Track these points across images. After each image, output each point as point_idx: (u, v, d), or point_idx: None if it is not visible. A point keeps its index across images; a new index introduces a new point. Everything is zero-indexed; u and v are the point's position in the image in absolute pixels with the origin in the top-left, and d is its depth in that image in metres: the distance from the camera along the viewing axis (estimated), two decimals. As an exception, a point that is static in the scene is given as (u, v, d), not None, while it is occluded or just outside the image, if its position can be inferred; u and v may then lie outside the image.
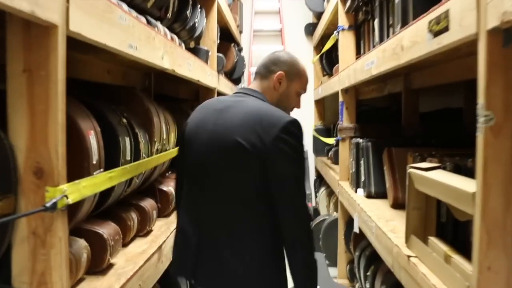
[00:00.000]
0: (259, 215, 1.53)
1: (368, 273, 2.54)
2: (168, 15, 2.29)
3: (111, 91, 1.94)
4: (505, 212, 1.04)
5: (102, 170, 1.35)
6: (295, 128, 1.51)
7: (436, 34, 1.31)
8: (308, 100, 5.81)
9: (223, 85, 4.05)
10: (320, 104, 5.82)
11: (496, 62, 1.01)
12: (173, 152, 2.18)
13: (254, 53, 5.94)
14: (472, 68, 1.13)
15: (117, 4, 1.36)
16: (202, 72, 2.92)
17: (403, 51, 1.68)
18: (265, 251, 1.53)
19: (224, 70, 4.15)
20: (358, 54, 3.47)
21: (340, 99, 3.51)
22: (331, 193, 4.76)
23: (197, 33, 2.85)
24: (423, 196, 1.63)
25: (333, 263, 3.72)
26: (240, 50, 5.35)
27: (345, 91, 3.46)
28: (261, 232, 1.53)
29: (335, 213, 4.08)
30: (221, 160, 1.52)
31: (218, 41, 3.79)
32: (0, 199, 0.96)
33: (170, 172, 2.55)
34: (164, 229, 2.03)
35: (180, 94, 3.59)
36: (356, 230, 2.64)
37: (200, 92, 3.61)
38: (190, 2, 2.64)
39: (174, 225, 1.86)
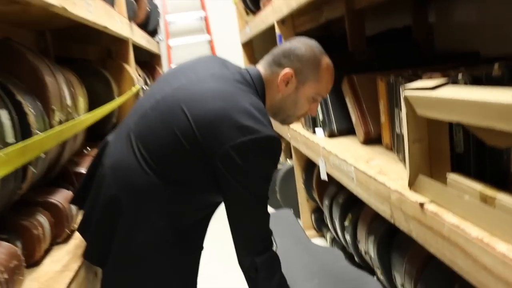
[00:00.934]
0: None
1: (346, 223, 2.22)
2: None
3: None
4: None
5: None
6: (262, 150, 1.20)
7: None
8: (233, 44, 5.29)
9: (138, 35, 3.42)
10: (249, 46, 5.31)
11: None
12: (87, 120, 1.62)
13: (168, -3, 5.25)
14: None
15: None
16: (109, 17, 2.30)
17: None
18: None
19: (137, 21, 3.50)
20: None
21: (277, 31, 3.05)
22: (278, 140, 4.39)
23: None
24: (424, 125, 1.26)
25: (294, 214, 3.40)
26: (151, -5, 4.64)
27: (282, 22, 2.99)
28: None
29: (288, 161, 3.73)
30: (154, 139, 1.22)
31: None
32: None
33: (89, 149, 1.99)
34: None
35: (89, 56, 2.96)
36: (323, 177, 2.28)
37: (112, 51, 2.96)
38: None
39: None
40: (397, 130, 1.67)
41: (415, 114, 1.22)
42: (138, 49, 3.51)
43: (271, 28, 3.18)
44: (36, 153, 1.06)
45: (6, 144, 1.03)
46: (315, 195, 2.96)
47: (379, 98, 1.87)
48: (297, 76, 1.31)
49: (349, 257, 2.18)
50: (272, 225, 2.21)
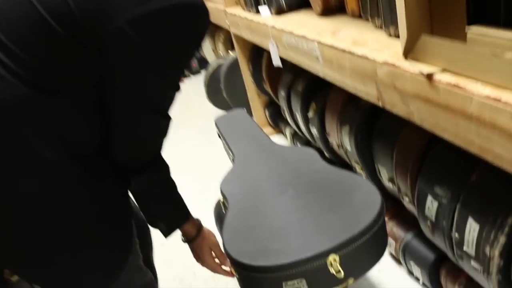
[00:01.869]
0: None
1: (310, 114, 1.89)
2: None
3: None
4: None
5: None
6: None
7: None
8: None
9: None
10: None
11: None
12: None
13: None
14: None
15: None
16: None
17: None
18: None
19: None
20: None
21: None
22: (214, 32, 3.86)
23: None
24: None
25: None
26: None
27: None
28: None
29: (230, 53, 3.26)
30: None
31: None
32: None
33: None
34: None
35: None
36: (276, 63, 1.88)
37: None
38: None
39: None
40: (370, -15, 1.26)
41: None
42: None
43: None
44: None
45: None
46: (267, 88, 2.58)
47: None
48: None
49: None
50: (226, 129, 1.85)
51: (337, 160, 1.90)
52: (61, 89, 0.76)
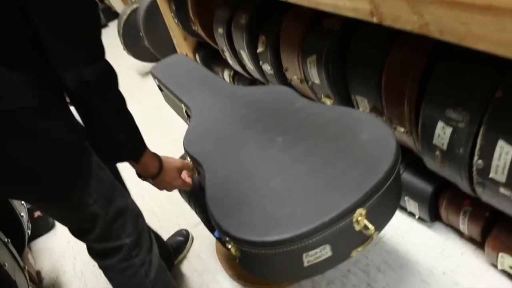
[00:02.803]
0: None
1: (260, 49, 1.64)
2: None
3: None
4: None
5: None
6: None
7: None
8: None
9: None
10: None
11: None
12: None
13: None
14: None
15: None
16: None
17: None
18: None
19: None
20: None
21: None
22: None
23: None
24: None
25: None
26: None
27: None
28: None
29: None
30: None
31: None
32: None
33: None
34: None
35: None
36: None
37: None
38: None
39: None
40: None
41: None
42: None
43: None
44: None
45: None
46: (196, 28, 2.25)
47: None
48: None
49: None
50: (168, 79, 1.52)
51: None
52: None
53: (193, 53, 2.59)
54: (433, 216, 1.30)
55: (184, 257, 1.50)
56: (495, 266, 1.19)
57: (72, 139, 0.84)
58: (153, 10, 2.50)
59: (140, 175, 1.02)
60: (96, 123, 0.86)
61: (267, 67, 1.66)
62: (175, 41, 2.54)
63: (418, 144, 1.12)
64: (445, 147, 1.00)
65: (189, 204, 1.20)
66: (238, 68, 1.99)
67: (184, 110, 1.30)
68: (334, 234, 0.78)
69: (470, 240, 1.27)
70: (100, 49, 0.82)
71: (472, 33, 0.70)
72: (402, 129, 1.14)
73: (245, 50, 1.73)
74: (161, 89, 1.49)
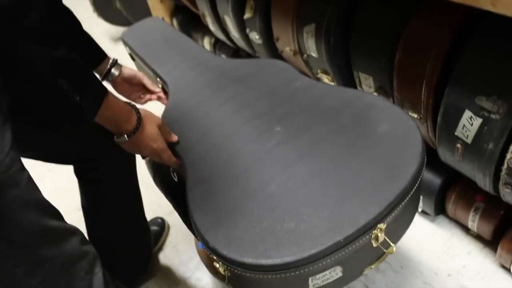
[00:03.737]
0: None
1: (248, 15, 1.43)
2: None
3: None
4: None
5: None
6: None
7: None
8: None
9: None
10: None
11: None
12: None
13: None
14: None
15: None
16: None
17: None
18: None
19: None
20: None
21: None
22: None
23: None
24: None
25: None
26: None
27: None
28: None
29: None
30: None
31: None
32: None
33: None
34: None
35: None
36: None
37: None
38: None
39: None
40: None
41: None
42: None
43: None
44: None
45: None
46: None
47: None
48: None
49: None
50: (141, 47, 1.26)
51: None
52: None
53: (170, 17, 2.35)
54: (438, 210, 1.17)
55: (160, 248, 1.34)
56: (505, 268, 1.08)
57: None
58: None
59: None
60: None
61: (254, 36, 1.47)
62: (150, 4, 2.28)
63: (433, 133, 0.97)
64: (469, 140, 0.85)
65: (167, 198, 1.02)
66: (220, 35, 1.78)
67: (160, 85, 1.10)
68: (348, 255, 0.63)
69: (477, 237, 1.15)
70: None
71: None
72: (415, 115, 0.99)
73: (230, 16, 1.52)
74: (133, 58, 1.28)
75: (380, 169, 0.68)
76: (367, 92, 0.85)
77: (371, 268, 0.71)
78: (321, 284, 0.66)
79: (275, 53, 1.46)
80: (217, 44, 2.03)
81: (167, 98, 1.12)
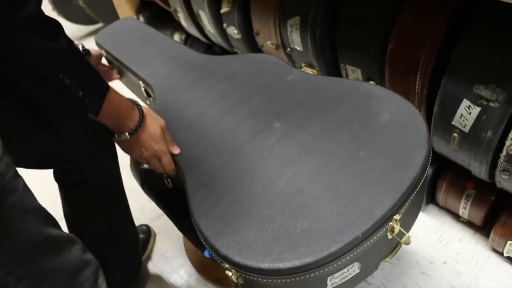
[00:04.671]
0: None
1: (225, 9, 1.39)
2: None
3: None
4: None
5: None
6: None
7: None
8: None
9: None
10: None
11: None
12: None
13: None
14: None
15: None
16: None
17: None
18: None
19: None
20: None
21: None
22: None
23: None
24: None
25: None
26: None
27: None
28: None
29: None
30: None
31: None
32: None
33: None
34: None
35: None
36: None
37: None
38: None
39: None
40: None
41: None
42: None
43: None
44: None
45: None
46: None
47: None
48: None
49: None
50: (118, 49, 1.19)
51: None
52: None
53: (136, 14, 2.27)
54: (428, 199, 1.18)
55: (148, 257, 1.28)
56: (496, 251, 1.10)
57: None
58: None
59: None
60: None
61: (232, 30, 1.43)
62: (114, 0, 2.20)
63: (427, 124, 0.97)
64: (467, 128, 0.85)
65: (158, 205, 0.97)
66: (193, 31, 1.73)
67: (142, 88, 1.05)
68: (366, 249, 0.61)
69: (468, 224, 1.17)
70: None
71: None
72: (407, 106, 0.98)
73: (206, 10, 1.47)
74: (109, 62, 1.21)
75: (388, 158, 0.66)
76: (364, 82, 0.83)
77: (386, 261, 0.69)
78: (339, 282, 0.63)
79: (254, 48, 1.43)
80: (188, 40, 1.97)
81: (150, 100, 1.07)
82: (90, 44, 1.06)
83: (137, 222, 1.37)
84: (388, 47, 0.94)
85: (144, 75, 1.02)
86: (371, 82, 0.98)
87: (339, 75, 1.16)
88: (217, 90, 0.90)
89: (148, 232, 1.31)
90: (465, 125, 0.84)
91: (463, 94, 0.82)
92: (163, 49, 1.10)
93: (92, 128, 0.76)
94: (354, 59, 1.06)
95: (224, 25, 1.46)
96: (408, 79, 0.92)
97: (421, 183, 0.66)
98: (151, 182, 0.96)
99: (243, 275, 0.61)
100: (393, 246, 0.68)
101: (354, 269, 0.63)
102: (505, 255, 1.05)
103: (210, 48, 1.86)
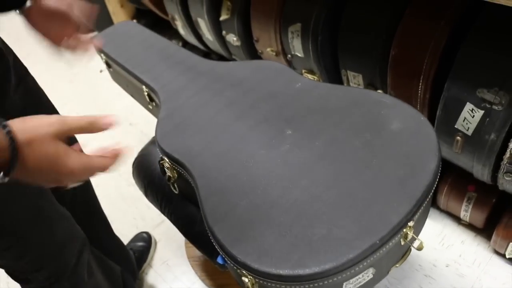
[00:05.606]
0: None
1: (224, 17, 1.40)
2: None
3: None
4: None
5: None
6: None
7: None
8: None
9: None
10: None
11: None
12: None
13: None
14: None
15: None
16: None
17: None
18: None
19: None
20: None
21: None
22: None
23: None
24: None
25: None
26: None
27: None
28: None
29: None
30: None
31: None
32: None
33: None
34: None
35: None
36: None
37: None
38: None
39: None
40: None
41: None
42: None
43: None
44: None
45: None
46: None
47: None
48: None
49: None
50: (120, 53, 1.18)
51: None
52: None
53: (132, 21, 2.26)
54: (430, 202, 1.20)
55: (149, 265, 1.27)
56: (498, 253, 1.11)
57: None
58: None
59: None
60: None
61: (232, 38, 1.43)
62: (110, 9, 2.20)
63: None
64: (470, 132, 0.87)
65: (163, 213, 0.97)
66: (191, 39, 1.73)
67: (145, 93, 1.05)
68: (382, 256, 0.62)
69: (469, 226, 1.18)
70: None
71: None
72: (410, 111, 0.99)
73: (205, 18, 1.48)
74: (109, 66, 1.21)
75: (401, 166, 0.67)
76: (371, 90, 0.85)
77: (396, 266, 0.70)
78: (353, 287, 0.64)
79: (254, 55, 1.44)
80: (185, 48, 1.97)
81: (154, 105, 1.07)
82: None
83: (137, 230, 1.36)
84: (391, 51, 0.95)
85: (148, 80, 1.02)
86: (379, 91, 1.00)
87: (340, 81, 1.18)
88: (225, 97, 0.90)
89: (148, 239, 1.30)
90: (468, 128, 0.86)
91: (466, 98, 0.83)
92: (166, 54, 1.10)
93: None
94: (356, 64, 1.08)
95: (223, 32, 1.47)
96: (411, 83, 0.94)
97: (433, 189, 0.67)
98: (155, 189, 0.96)
99: (261, 281, 0.61)
100: (404, 251, 0.69)
101: (368, 274, 0.64)
102: (507, 256, 1.07)
103: (207, 55, 1.86)
